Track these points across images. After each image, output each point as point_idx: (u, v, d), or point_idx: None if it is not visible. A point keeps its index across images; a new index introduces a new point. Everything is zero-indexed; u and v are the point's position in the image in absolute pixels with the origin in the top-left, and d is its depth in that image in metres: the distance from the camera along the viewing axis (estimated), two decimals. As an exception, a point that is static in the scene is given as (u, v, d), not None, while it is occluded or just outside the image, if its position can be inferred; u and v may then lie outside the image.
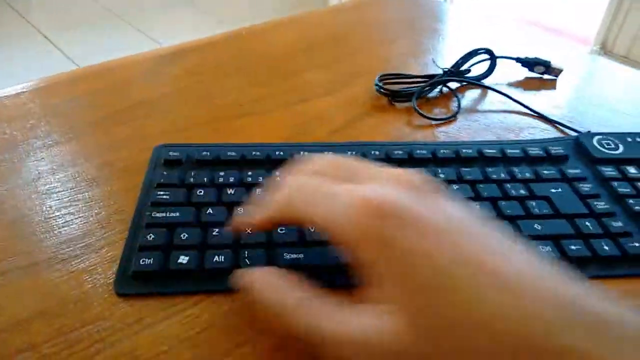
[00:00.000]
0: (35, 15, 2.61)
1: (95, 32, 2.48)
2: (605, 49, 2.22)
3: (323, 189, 0.24)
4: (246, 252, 0.31)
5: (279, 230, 0.33)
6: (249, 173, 0.37)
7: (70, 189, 0.37)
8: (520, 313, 0.19)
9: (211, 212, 0.34)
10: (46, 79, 0.52)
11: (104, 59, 0.56)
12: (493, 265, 0.20)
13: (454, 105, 0.50)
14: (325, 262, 0.31)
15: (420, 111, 0.47)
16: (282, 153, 0.40)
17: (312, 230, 0.32)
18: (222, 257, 0.31)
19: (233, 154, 0.39)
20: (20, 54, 2.26)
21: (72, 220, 0.35)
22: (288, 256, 0.31)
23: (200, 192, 0.35)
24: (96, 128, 0.44)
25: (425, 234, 0.21)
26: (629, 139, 0.43)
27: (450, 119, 0.47)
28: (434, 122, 0.47)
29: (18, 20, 2.55)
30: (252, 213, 0.28)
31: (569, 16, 2.65)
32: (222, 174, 0.37)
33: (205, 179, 0.37)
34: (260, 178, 0.37)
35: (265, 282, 0.25)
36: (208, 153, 0.39)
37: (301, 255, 0.31)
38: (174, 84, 0.52)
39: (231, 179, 0.37)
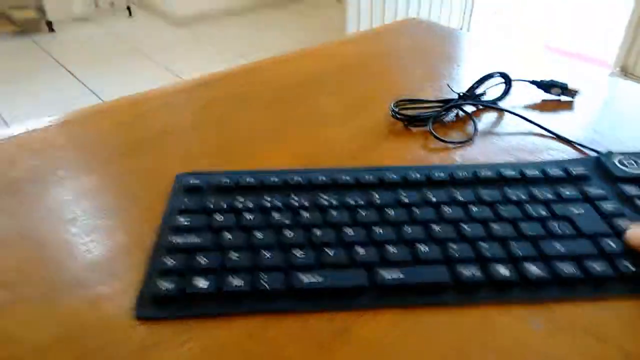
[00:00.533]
0: (60, 52, 2.72)
1: (118, 67, 2.58)
2: (625, 71, 2.20)
3: None
4: (265, 275, 0.31)
5: (297, 254, 0.33)
6: (268, 198, 0.38)
7: (93, 217, 0.38)
8: None
9: (230, 237, 0.34)
10: (72, 113, 0.54)
11: (127, 92, 0.58)
12: None
13: (470, 128, 0.50)
14: (344, 285, 0.31)
15: (437, 135, 0.47)
16: (299, 178, 0.40)
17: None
18: (241, 281, 0.31)
19: (251, 180, 0.40)
20: (48, 88, 2.35)
21: (94, 247, 0.35)
22: (307, 279, 0.31)
23: (220, 217, 0.36)
24: (119, 158, 0.46)
25: None
26: (651, 158, 0.42)
27: (467, 141, 0.47)
28: (451, 145, 0.47)
29: (45, 57, 2.67)
30: None
31: (590, 40, 2.65)
32: (241, 199, 0.38)
33: (225, 204, 0.37)
34: (278, 203, 0.37)
35: None
36: (228, 180, 0.40)
37: (320, 279, 0.31)
38: (193, 115, 0.53)
39: (250, 205, 0.37)
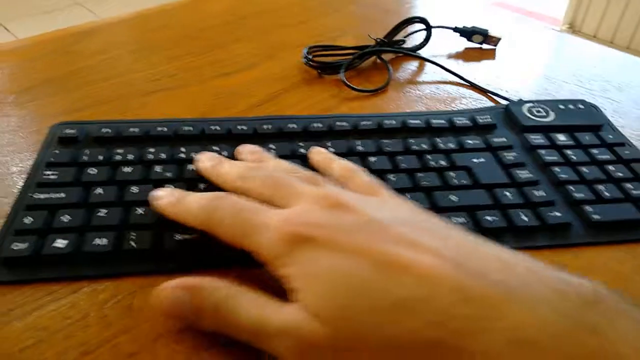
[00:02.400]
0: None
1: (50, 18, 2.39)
2: (573, 29, 2.22)
3: (245, 215, 0.25)
4: (134, 234, 0.28)
5: (173, 209, 0.30)
6: (151, 150, 0.35)
7: (-47, 172, 0.34)
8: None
9: (101, 191, 0.31)
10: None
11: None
12: (399, 260, 0.21)
13: (386, 77, 0.47)
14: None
15: (348, 83, 0.45)
16: (190, 129, 0.37)
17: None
18: (105, 240, 0.28)
19: (136, 130, 0.36)
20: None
21: (-52, 205, 0.31)
22: (180, 237, 0.29)
23: (93, 171, 0.32)
24: (-4, 107, 0.41)
25: (331, 248, 0.23)
26: (562, 106, 0.41)
27: (379, 90, 0.45)
28: (362, 94, 0.44)
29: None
30: (170, 205, 0.28)
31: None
32: (120, 151, 0.34)
33: (101, 157, 0.34)
34: (163, 155, 0.34)
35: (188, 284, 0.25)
36: (109, 130, 0.36)
37: (194, 235, 0.29)
38: (88, 61, 0.48)
39: (130, 157, 0.34)
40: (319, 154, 0.33)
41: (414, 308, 0.20)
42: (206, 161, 0.31)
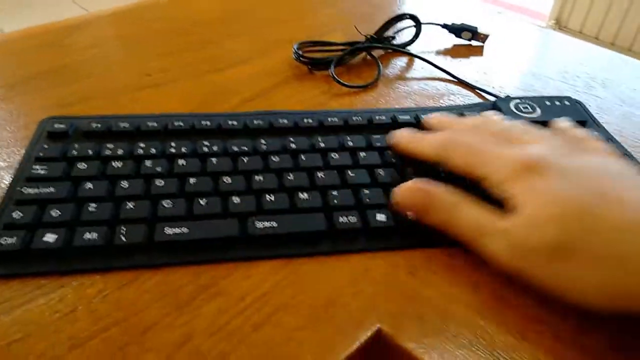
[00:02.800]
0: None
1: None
2: (559, 24, 2.24)
3: (478, 147, 0.29)
4: (124, 228, 0.29)
5: (164, 204, 0.30)
6: (141, 145, 0.35)
7: (-60, 167, 0.34)
8: None
9: (90, 186, 0.31)
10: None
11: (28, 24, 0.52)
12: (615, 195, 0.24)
13: (375, 73, 0.47)
14: (212, 236, 0.29)
15: (338, 79, 0.45)
16: (181, 124, 0.37)
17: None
18: (95, 235, 0.28)
19: (126, 125, 0.36)
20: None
21: None
22: (170, 231, 0.29)
23: (83, 166, 0.32)
24: (-17, 102, 0.41)
25: (562, 177, 0.26)
26: (548, 103, 0.42)
27: (369, 86, 0.45)
28: (352, 90, 0.45)
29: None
30: (411, 142, 0.34)
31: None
32: (110, 146, 0.34)
33: (91, 151, 0.34)
34: (153, 150, 0.34)
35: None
36: (99, 124, 0.36)
37: (186, 230, 0.29)
38: (79, 55, 0.48)
39: (120, 152, 0.34)
40: (563, 122, 0.35)
41: (634, 234, 0.23)
42: (441, 117, 0.36)
